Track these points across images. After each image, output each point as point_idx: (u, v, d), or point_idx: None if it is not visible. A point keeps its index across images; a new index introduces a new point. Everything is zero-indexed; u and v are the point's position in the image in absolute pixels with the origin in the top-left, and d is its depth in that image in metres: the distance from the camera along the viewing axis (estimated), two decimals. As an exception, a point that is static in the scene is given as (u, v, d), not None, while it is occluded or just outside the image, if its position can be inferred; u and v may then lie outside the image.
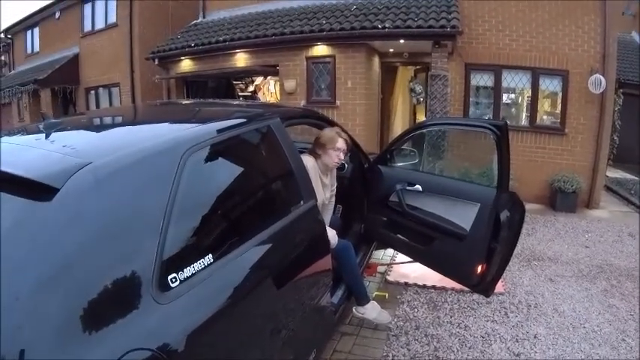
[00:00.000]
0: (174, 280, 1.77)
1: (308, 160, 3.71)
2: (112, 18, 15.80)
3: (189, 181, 1.99)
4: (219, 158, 2.40)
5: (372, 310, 4.11)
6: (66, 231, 1.58)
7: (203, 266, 1.92)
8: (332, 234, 3.62)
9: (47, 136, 2.07)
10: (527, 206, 9.57)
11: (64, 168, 1.69)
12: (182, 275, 1.81)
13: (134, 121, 3.18)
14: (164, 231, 1.78)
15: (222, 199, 2.29)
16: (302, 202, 2.90)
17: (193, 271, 1.86)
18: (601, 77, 9.49)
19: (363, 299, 4.09)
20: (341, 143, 3.88)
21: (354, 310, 4.14)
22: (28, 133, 2.50)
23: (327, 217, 4.09)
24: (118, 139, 2.31)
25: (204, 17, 13.95)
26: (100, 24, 16.49)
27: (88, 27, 16.97)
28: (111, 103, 16.48)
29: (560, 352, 4.15)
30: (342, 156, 3.94)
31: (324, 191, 3.99)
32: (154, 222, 1.78)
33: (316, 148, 3.92)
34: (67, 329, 1.44)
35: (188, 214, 1.99)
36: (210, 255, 1.98)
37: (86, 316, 1.48)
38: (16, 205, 1.62)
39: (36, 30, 20.64)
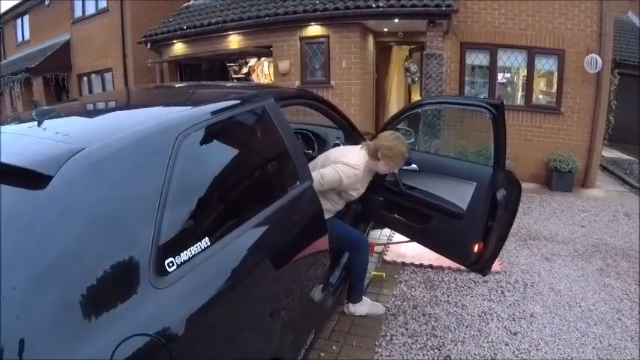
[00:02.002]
0: (171, 264, 1.75)
1: (361, 157, 3.79)
2: (103, 3, 15.62)
3: (184, 164, 1.96)
4: (214, 140, 2.38)
5: (363, 306, 4.19)
6: (61, 218, 1.55)
7: (200, 250, 1.90)
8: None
9: (39, 124, 2.02)
10: (523, 185, 9.54)
11: (57, 155, 1.67)
12: (179, 259, 1.79)
13: (127, 105, 3.16)
14: (160, 215, 1.76)
15: (217, 181, 2.27)
16: (298, 183, 2.88)
17: (190, 255, 1.84)
18: (597, 57, 9.48)
19: (358, 297, 4.17)
20: (403, 160, 3.84)
21: (345, 308, 4.21)
22: (20, 121, 2.46)
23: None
24: (111, 124, 2.28)
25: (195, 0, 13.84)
26: (90, 9, 16.31)
27: (78, 13, 16.80)
28: (104, 89, 16.37)
29: (557, 330, 4.16)
30: (395, 169, 3.94)
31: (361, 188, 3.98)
32: (149, 206, 1.76)
33: (379, 152, 3.75)
34: (66, 317, 1.43)
35: (183, 197, 1.97)
36: (207, 238, 1.95)
37: (84, 302, 1.46)
38: (10, 194, 1.60)
39: (26, 18, 20.48)
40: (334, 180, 3.63)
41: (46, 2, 18.33)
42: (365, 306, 4.19)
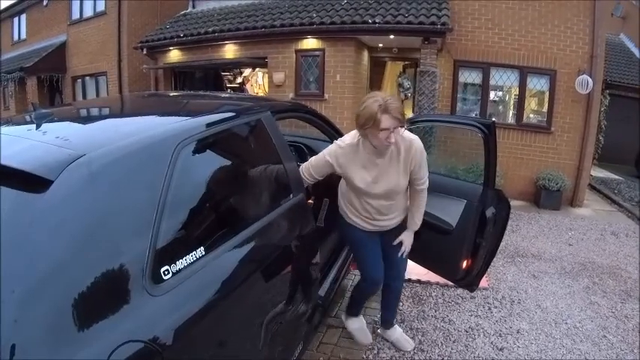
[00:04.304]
0: (166, 272, 1.77)
1: (351, 135, 3.24)
2: (101, 6, 15.57)
3: (182, 173, 1.98)
4: (211, 151, 2.40)
5: (395, 332, 4.15)
6: (60, 223, 1.57)
7: (195, 259, 1.92)
8: (408, 239, 3.61)
9: (38, 127, 2.05)
10: (512, 203, 9.63)
11: (58, 160, 1.68)
12: (174, 268, 1.81)
13: (125, 113, 3.17)
14: (157, 223, 1.78)
15: (212, 191, 2.29)
16: (291, 196, 2.91)
17: (185, 264, 1.87)
18: (588, 78, 9.59)
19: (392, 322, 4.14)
20: (386, 121, 2.90)
21: (382, 331, 4.19)
22: (18, 123, 2.46)
23: (418, 210, 3.54)
24: (110, 131, 2.28)
25: (193, 7, 13.88)
26: (88, 12, 16.25)
27: (76, 15, 16.73)
28: (98, 92, 16.30)
29: (543, 347, 4.20)
30: (392, 138, 2.98)
31: (382, 175, 3.25)
32: (147, 214, 1.78)
33: (358, 130, 3.10)
34: (62, 322, 1.43)
35: (180, 207, 1.99)
36: (202, 248, 1.98)
37: (80, 308, 1.47)
38: (10, 197, 1.61)
39: (23, 17, 20.31)
40: (320, 161, 3.24)
41: (44, 2, 18.20)
42: (397, 332, 4.15)
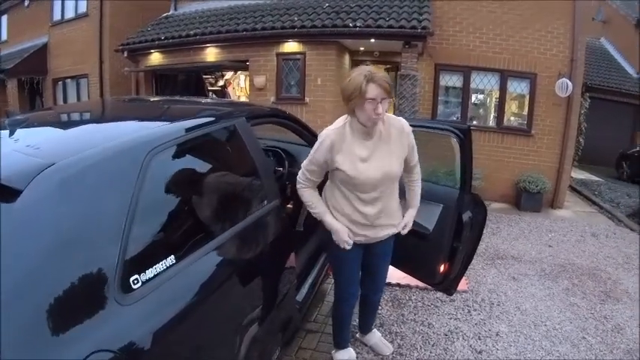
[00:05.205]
0: (136, 281, 1.76)
1: (338, 120, 3.07)
2: (83, 7, 15.44)
3: (152, 182, 1.98)
4: (183, 159, 2.38)
5: (374, 336, 4.14)
6: (29, 233, 1.56)
7: (165, 267, 1.92)
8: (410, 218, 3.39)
9: (11, 134, 2.03)
10: (493, 205, 9.71)
11: (27, 169, 1.68)
12: (144, 277, 1.81)
13: (101, 119, 3.12)
14: (126, 233, 1.77)
15: (185, 199, 2.29)
16: (265, 202, 2.91)
17: (155, 272, 1.86)
18: (568, 81, 9.70)
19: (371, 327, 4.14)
20: (372, 90, 2.76)
21: (360, 336, 4.18)
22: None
23: (412, 199, 3.43)
24: (82, 139, 2.26)
25: (175, 10, 13.83)
26: (70, 13, 16.09)
27: (57, 16, 16.55)
28: (79, 95, 16.17)
29: (522, 349, 4.22)
30: (380, 109, 2.79)
31: (373, 159, 3.03)
32: (116, 223, 1.77)
33: (345, 105, 2.93)
34: (30, 333, 1.43)
35: (151, 215, 1.99)
36: (173, 256, 1.98)
37: (49, 318, 1.46)
38: None
39: (4, 18, 20.03)
40: (310, 161, 3.08)
41: (26, 3, 17.98)
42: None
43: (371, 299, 3.81)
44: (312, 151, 3.08)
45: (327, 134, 2.98)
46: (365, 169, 2.99)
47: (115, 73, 14.39)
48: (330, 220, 3.16)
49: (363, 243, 3.30)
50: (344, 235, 3.14)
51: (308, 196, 3.19)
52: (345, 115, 3.03)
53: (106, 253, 1.70)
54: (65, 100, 16.81)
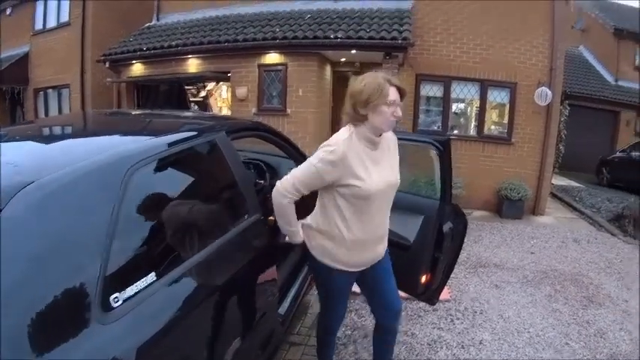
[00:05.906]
0: (116, 299, 1.75)
1: (341, 132, 2.82)
2: (65, 17, 15.33)
3: (133, 198, 1.98)
4: (164, 174, 2.38)
5: None
6: (8, 252, 1.53)
7: (146, 284, 1.91)
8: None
9: None
10: (475, 213, 9.75)
11: (6, 187, 1.66)
12: (124, 295, 1.80)
13: (82, 133, 3.10)
14: (106, 251, 1.76)
15: (165, 215, 2.27)
16: (247, 216, 2.91)
17: (136, 290, 1.85)
18: (547, 90, 9.86)
19: None
20: (394, 93, 2.69)
21: None
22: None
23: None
24: (63, 154, 2.24)
25: (157, 20, 13.77)
26: (52, 22, 15.96)
27: (39, 25, 16.41)
28: (60, 105, 16.02)
29: (505, 356, 4.25)
30: (399, 111, 2.72)
31: (378, 169, 2.84)
32: (95, 242, 1.76)
33: (357, 111, 2.73)
34: (9, 354, 1.41)
35: (131, 233, 1.98)
36: (154, 273, 1.97)
37: (29, 339, 1.46)
38: None
39: (-14, 26, 19.86)
40: (309, 174, 2.75)
41: (8, 12, 17.65)
42: None
43: (389, 327, 3.38)
44: (312, 163, 2.74)
45: (336, 144, 2.70)
46: (377, 179, 2.79)
47: (97, 83, 14.23)
48: (299, 240, 3.03)
49: (362, 269, 3.08)
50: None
51: (290, 212, 2.86)
52: (348, 127, 2.81)
53: (86, 272, 1.69)
54: (47, 110, 16.65)
